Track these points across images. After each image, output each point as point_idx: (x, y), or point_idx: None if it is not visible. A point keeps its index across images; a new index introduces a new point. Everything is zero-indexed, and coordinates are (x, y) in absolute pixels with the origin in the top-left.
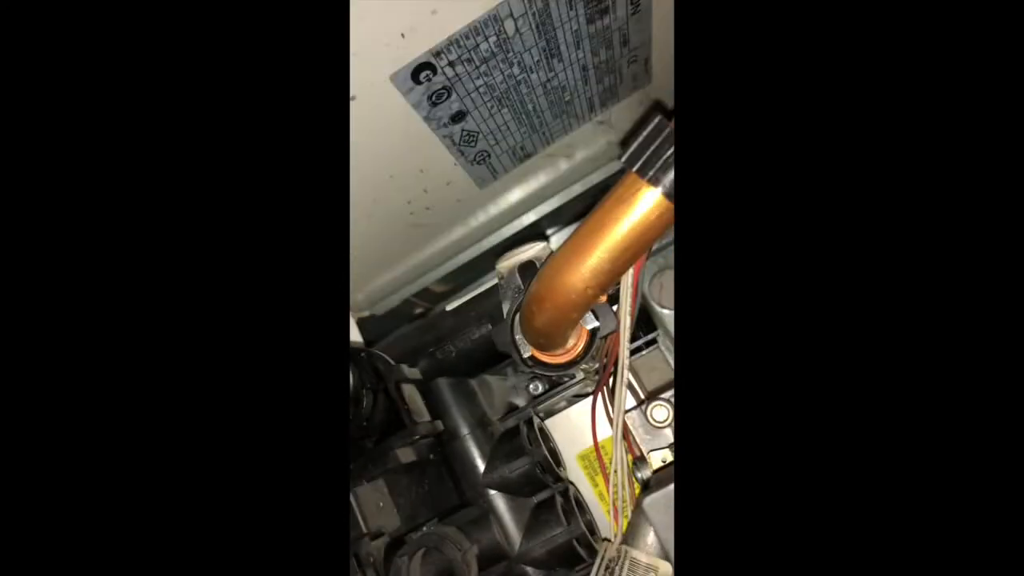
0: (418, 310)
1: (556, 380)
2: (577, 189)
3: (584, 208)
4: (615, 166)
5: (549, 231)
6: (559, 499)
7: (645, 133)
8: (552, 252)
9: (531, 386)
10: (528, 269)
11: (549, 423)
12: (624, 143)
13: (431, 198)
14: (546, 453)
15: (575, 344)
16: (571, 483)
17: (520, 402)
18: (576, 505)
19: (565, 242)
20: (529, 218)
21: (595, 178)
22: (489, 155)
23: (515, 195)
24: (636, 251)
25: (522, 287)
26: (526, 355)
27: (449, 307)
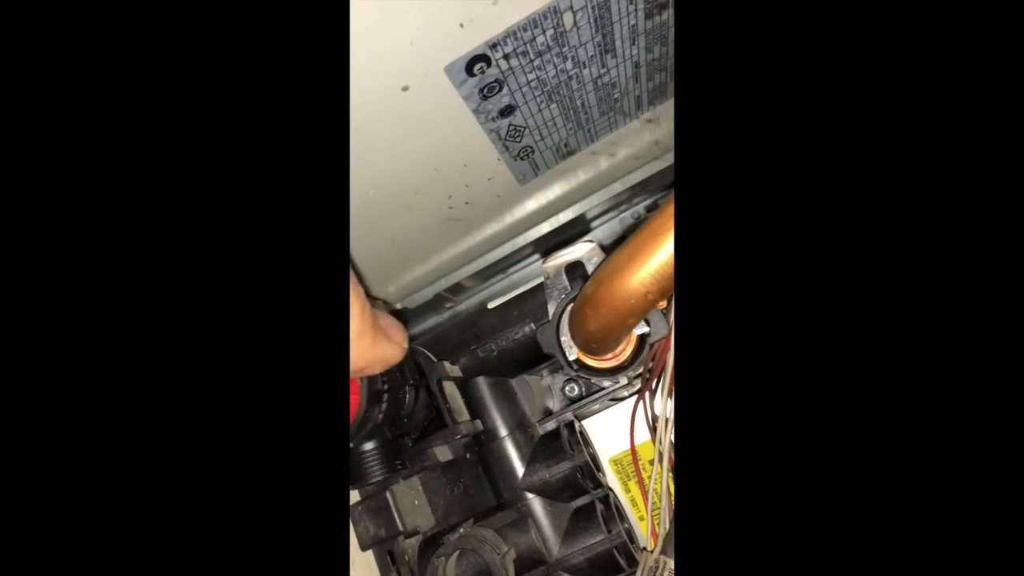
0: (447, 304)
1: (595, 384)
2: (616, 188)
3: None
4: (656, 165)
5: (592, 226)
6: (599, 505)
7: None
8: (605, 254)
9: (567, 388)
10: (575, 269)
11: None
12: None
13: (472, 193)
14: (587, 457)
15: (623, 348)
16: (610, 489)
17: (554, 404)
18: (616, 512)
19: (624, 245)
20: (566, 215)
21: (635, 177)
22: (533, 151)
23: (554, 192)
24: None
25: (569, 287)
26: (572, 358)
27: (491, 304)
